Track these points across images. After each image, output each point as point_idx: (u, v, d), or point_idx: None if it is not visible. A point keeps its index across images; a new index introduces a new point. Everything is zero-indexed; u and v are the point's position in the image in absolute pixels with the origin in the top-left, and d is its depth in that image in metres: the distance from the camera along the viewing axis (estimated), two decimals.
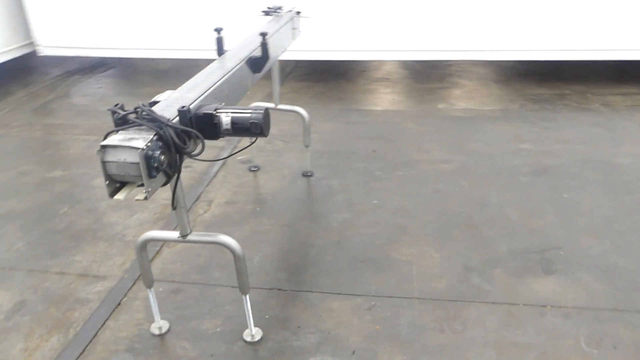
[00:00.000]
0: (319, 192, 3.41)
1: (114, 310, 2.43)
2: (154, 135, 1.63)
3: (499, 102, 4.81)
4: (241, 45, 2.69)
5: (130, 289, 2.57)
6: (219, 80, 2.20)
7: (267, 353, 2.16)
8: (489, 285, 2.49)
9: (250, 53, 2.58)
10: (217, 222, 3.10)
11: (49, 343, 2.25)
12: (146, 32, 5.43)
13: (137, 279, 2.63)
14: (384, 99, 5.01)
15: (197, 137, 1.75)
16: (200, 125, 1.92)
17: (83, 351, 2.20)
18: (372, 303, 2.41)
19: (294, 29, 3.45)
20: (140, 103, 1.67)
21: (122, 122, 1.67)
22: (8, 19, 5.53)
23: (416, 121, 4.46)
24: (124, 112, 1.67)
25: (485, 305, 2.37)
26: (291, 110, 3.46)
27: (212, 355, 2.16)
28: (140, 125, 1.64)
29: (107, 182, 1.61)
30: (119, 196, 1.64)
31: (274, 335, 2.25)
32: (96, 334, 2.29)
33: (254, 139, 2.03)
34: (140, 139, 1.59)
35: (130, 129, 1.66)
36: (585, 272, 2.56)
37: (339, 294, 2.48)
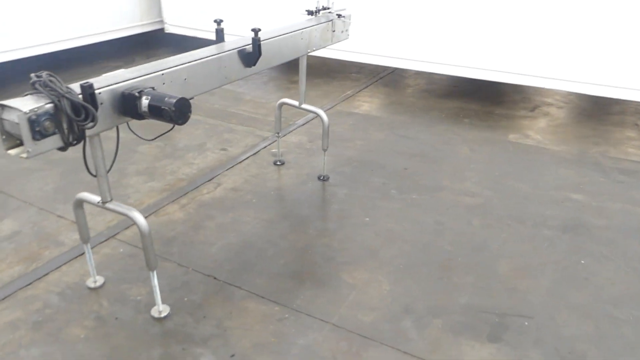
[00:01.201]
0: (321, 198, 3.35)
1: (74, 258, 2.70)
2: (47, 103, 1.79)
3: (582, 143, 4.18)
4: (239, 40, 2.76)
5: (100, 243, 2.83)
6: (178, 65, 2.30)
7: (159, 330, 2.24)
8: (415, 334, 2.24)
9: (239, 47, 2.64)
10: (210, 204, 3.23)
11: (12, 270, 2.60)
12: (245, 23, 5.77)
13: (111, 237, 2.88)
14: (454, 119, 4.67)
15: (92, 113, 1.86)
16: (124, 104, 2.06)
17: (28, 284, 2.50)
18: (286, 315, 2.34)
19: (333, 31, 3.41)
20: (45, 73, 1.84)
21: (32, 87, 1.86)
22: (139, 3, 6.30)
23: (472, 147, 4.09)
24: (35, 80, 1.85)
25: (396, 352, 2.15)
26: (312, 112, 3.44)
27: (116, 318, 2.31)
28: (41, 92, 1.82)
29: (4, 137, 1.82)
30: (12, 152, 1.83)
31: (178, 317, 2.32)
32: (47, 273, 2.58)
33: (171, 126, 2.08)
34: (31, 104, 1.76)
35: (38, 94, 1.84)
36: (537, 352, 2.16)
37: (263, 297, 2.45)
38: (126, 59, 6.31)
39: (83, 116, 1.85)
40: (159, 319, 2.31)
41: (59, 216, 3.07)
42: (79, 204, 2.33)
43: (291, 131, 4.37)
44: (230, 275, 2.60)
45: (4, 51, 4.99)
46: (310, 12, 3.42)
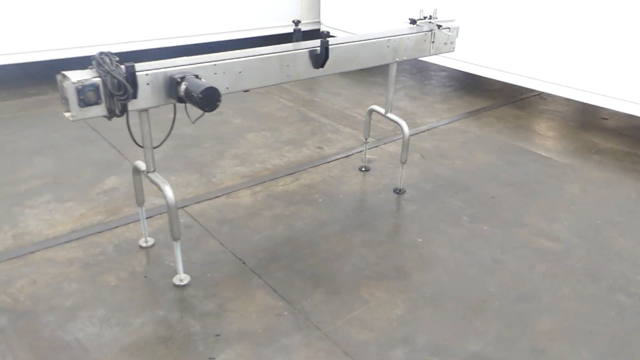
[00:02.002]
0: (386, 210, 3.26)
1: (142, 219, 3.07)
2: (95, 77, 2.09)
3: None
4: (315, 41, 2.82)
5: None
6: (233, 58, 2.47)
7: (172, 296, 2.45)
8: None
9: (311, 48, 2.70)
10: (278, 196, 3.37)
11: (94, 218, 3.08)
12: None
13: (180, 207, 3.20)
14: (581, 153, 4.07)
15: (129, 90, 2.12)
16: (169, 87, 2.29)
17: (99, 232, 2.93)
18: (285, 313, 2.37)
19: (433, 42, 3.28)
20: (98, 53, 2.14)
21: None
22: (300, 3, 6.73)
23: (586, 186, 3.55)
24: (93, 57, 2.17)
25: None
26: (395, 121, 3.35)
27: (145, 276, 2.59)
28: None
29: (63, 101, 2.17)
30: (66, 114, 2.18)
31: (193, 289, 2.50)
32: (117, 227, 2.99)
33: (202, 113, 2.24)
34: (81, 76, 2.08)
35: (93, 69, 2.16)
36: None
37: (274, 290, 2.50)
38: None
39: (122, 92, 2.12)
40: (178, 286, 2.52)
41: (149, 182, 3.50)
42: (136, 171, 2.66)
43: (394, 140, 4.29)
44: (257, 263, 2.71)
45: (185, 36, 5.83)
46: (412, 21, 3.33)
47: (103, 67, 2.10)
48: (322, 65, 2.79)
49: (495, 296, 2.50)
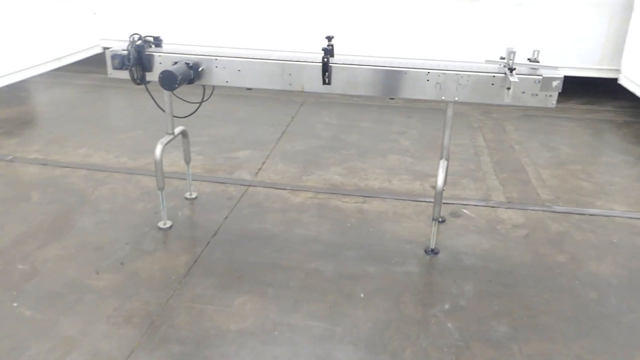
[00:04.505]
0: (385, 259, 2.86)
1: (188, 177, 3.72)
2: (123, 50, 2.88)
3: None
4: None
5: (242, 185, 3.69)
6: (232, 57, 2.81)
7: (142, 231, 3.06)
8: None
9: (315, 62, 2.72)
10: (325, 209, 3.40)
11: (195, 170, 3.90)
12: None
13: (250, 185, 3.69)
14: None
15: (132, 62, 2.79)
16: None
17: (179, 179, 3.75)
18: (173, 277, 2.64)
19: (508, 88, 2.61)
20: (134, 34, 2.88)
21: None
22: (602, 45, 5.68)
23: None
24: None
25: None
26: (439, 172, 2.84)
27: (155, 213, 3.26)
28: None
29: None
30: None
31: (158, 233, 3.05)
32: (193, 180, 3.74)
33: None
34: (117, 48, 2.90)
35: None
36: None
37: (195, 262, 2.78)
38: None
39: (131, 63, 2.83)
40: (159, 228, 3.11)
41: (263, 162, 4.09)
42: (185, 134, 3.31)
43: (525, 209, 3.45)
44: (221, 239, 3.00)
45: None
46: (502, 58, 2.74)
47: (130, 44, 2.86)
48: (327, 82, 2.74)
49: None
